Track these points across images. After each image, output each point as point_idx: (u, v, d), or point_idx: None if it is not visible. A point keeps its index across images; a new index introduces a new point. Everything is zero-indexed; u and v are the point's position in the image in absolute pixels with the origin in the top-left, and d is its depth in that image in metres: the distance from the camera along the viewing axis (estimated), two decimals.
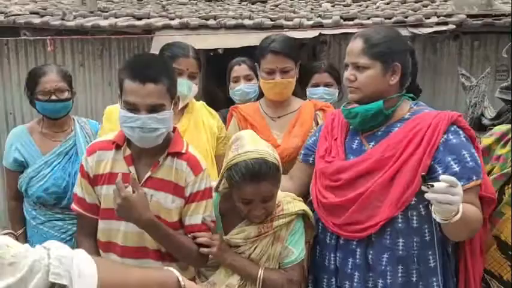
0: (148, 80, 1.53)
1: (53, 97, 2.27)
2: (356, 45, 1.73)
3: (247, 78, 2.94)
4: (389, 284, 1.70)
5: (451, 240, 1.72)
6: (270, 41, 2.29)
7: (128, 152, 1.66)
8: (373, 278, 1.73)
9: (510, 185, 1.78)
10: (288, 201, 1.76)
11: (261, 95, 2.82)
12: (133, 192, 1.55)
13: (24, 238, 2.28)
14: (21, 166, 2.28)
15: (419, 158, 1.64)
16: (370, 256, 1.72)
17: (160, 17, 5.08)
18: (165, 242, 1.63)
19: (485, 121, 3.82)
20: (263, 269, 1.70)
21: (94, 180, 1.69)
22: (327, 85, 2.78)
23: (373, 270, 1.73)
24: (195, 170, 1.65)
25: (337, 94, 2.82)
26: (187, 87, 2.19)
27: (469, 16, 4.45)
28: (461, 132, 1.69)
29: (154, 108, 1.55)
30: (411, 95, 1.82)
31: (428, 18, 4.53)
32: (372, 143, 1.76)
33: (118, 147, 1.67)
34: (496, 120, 3.41)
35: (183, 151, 1.66)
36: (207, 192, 1.68)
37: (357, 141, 1.81)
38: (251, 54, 3.08)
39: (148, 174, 1.63)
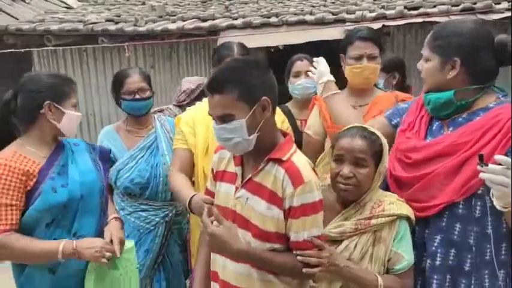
0: (215, 91, 1.54)
1: (137, 96, 2.51)
2: (428, 36, 1.80)
3: (308, 74, 3.02)
4: (437, 265, 1.70)
5: None
6: (357, 30, 2.43)
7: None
8: (425, 258, 1.74)
9: None
10: (391, 202, 1.70)
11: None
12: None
13: None
14: (111, 161, 2.48)
15: (493, 147, 1.60)
16: (426, 235, 1.74)
17: (224, 17, 5.27)
18: (264, 264, 1.59)
19: None
20: (380, 277, 1.63)
21: (215, 176, 1.76)
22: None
23: (425, 251, 1.74)
24: (295, 181, 1.53)
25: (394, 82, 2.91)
26: None
27: None
28: None
29: (223, 118, 1.54)
30: (501, 87, 1.80)
31: (499, 3, 4.32)
32: (451, 129, 1.76)
33: None
34: None
35: (284, 158, 1.57)
36: (310, 207, 1.55)
37: (438, 124, 1.82)
38: (309, 51, 3.17)
39: (249, 176, 1.61)
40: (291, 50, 3.44)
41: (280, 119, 2.46)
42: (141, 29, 5.08)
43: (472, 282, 1.66)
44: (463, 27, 1.76)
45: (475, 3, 4.39)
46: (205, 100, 2.48)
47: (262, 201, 1.57)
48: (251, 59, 1.82)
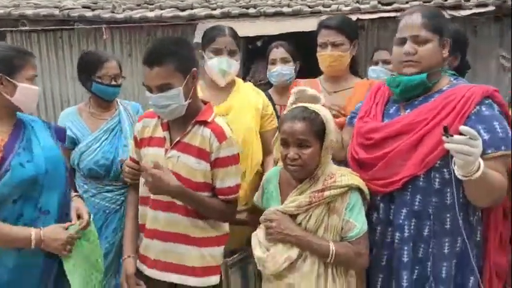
0: (154, 64, 1.75)
1: (113, 82, 2.54)
2: (415, 19, 1.81)
3: (284, 61, 3.10)
4: (405, 237, 1.79)
5: (476, 209, 1.78)
6: (325, 19, 2.53)
7: (165, 120, 1.90)
8: (391, 231, 1.83)
9: None
10: (343, 174, 1.80)
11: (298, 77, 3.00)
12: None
13: None
14: (73, 143, 2.51)
15: (449, 123, 1.69)
16: (391, 211, 1.83)
17: (202, 7, 5.30)
18: (196, 205, 1.84)
19: None
20: (332, 243, 1.73)
21: (140, 143, 1.96)
22: (385, 62, 3.01)
23: (392, 225, 1.83)
24: (220, 137, 1.83)
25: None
26: (226, 63, 2.38)
27: None
28: (495, 106, 1.74)
29: (161, 88, 1.76)
30: (452, 71, 1.92)
31: (468, 0, 4.51)
32: (408, 110, 1.86)
33: (159, 116, 1.92)
34: None
35: (209, 120, 1.85)
36: (233, 158, 1.87)
37: (394, 107, 1.92)
38: (290, 43, 3.26)
39: (178, 138, 1.86)
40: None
41: (265, 103, 2.54)
42: (118, 16, 5.06)
43: (431, 247, 1.76)
44: (439, 10, 1.90)
45: (445, 0, 4.57)
46: None
47: (191, 157, 1.84)
48: (180, 37, 2.08)
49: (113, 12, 5.13)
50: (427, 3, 4.56)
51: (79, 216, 1.94)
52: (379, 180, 1.83)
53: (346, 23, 2.52)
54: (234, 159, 1.88)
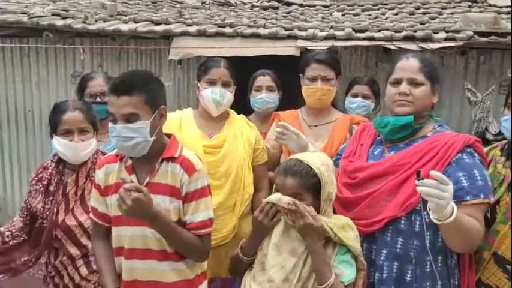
0: (123, 93, 1.69)
1: (98, 99, 2.48)
2: (412, 63, 1.93)
3: (270, 89, 3.14)
4: (384, 278, 1.85)
5: (453, 253, 1.85)
6: (315, 52, 2.65)
7: (129, 162, 1.83)
8: (373, 272, 1.88)
9: (500, 205, 1.94)
10: (338, 226, 1.75)
11: (282, 107, 3.04)
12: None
13: None
14: None
15: (430, 168, 1.76)
16: (373, 252, 1.89)
17: (177, 22, 5.25)
18: (171, 235, 1.77)
19: (489, 136, 4.02)
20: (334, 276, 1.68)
21: (104, 191, 1.88)
22: (365, 97, 3.00)
23: (373, 265, 1.88)
24: (189, 171, 1.79)
25: (372, 107, 3.05)
26: (220, 94, 2.43)
27: (476, 33, 4.62)
28: (476, 155, 1.83)
29: (128, 118, 1.70)
30: (438, 118, 2.02)
31: (437, 33, 4.70)
32: (392, 152, 1.94)
33: (121, 159, 1.86)
34: (499, 135, 3.60)
35: (176, 155, 1.81)
36: (203, 191, 1.82)
37: (379, 149, 2.00)
38: (260, 64, 3.29)
39: (147, 180, 1.79)
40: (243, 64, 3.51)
41: (258, 137, 2.57)
42: (91, 27, 4.93)
43: None
44: (432, 59, 2.01)
45: (415, 31, 4.74)
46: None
47: (165, 197, 1.78)
48: (150, 71, 2.07)
49: (85, 22, 4.99)
50: (399, 34, 4.71)
51: None
52: (361, 220, 1.87)
53: (335, 59, 2.63)
54: (204, 191, 1.83)
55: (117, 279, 1.87)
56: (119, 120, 1.71)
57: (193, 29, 4.94)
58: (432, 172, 1.60)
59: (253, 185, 2.48)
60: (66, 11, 5.43)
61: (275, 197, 1.71)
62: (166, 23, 5.19)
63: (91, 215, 1.96)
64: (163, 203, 1.78)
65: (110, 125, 1.73)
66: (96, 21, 5.10)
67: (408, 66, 1.92)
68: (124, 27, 4.95)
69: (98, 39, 5.18)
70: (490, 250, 1.94)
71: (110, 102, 1.73)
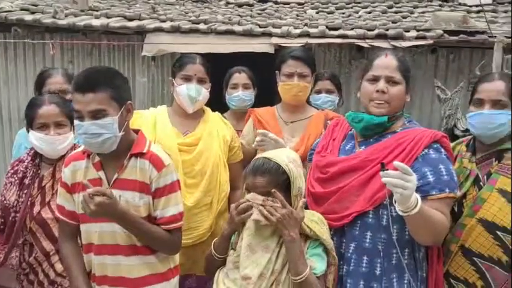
0: (88, 90, 1.67)
1: None
2: (391, 61, 1.93)
3: (245, 87, 3.13)
4: (351, 270, 1.88)
5: (420, 246, 1.88)
6: (291, 49, 2.66)
7: (97, 158, 1.82)
8: (342, 265, 1.91)
9: (467, 199, 2.01)
10: (315, 222, 1.79)
11: (256, 104, 3.04)
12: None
13: None
14: None
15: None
16: (343, 245, 1.92)
17: (151, 18, 5.19)
18: (140, 231, 1.78)
19: (457, 132, 4.13)
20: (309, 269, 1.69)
21: (72, 189, 1.86)
22: (328, 91, 3.03)
23: (342, 259, 1.91)
24: (157, 166, 1.79)
25: (337, 101, 3.07)
26: (195, 91, 2.41)
27: (446, 31, 4.73)
28: (442, 150, 1.87)
29: (95, 115, 1.68)
30: (409, 114, 2.05)
31: (408, 31, 4.78)
32: (363, 147, 1.97)
33: (89, 156, 1.83)
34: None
35: (144, 151, 1.80)
36: (172, 186, 1.82)
37: (351, 144, 2.02)
38: (234, 61, 3.28)
39: (115, 176, 1.79)
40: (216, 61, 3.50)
41: (234, 135, 2.58)
42: (61, 22, 4.82)
43: (382, 285, 1.84)
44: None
45: (387, 30, 4.81)
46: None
47: (135, 193, 1.78)
48: (112, 67, 2.05)
49: (55, 17, 4.88)
50: (371, 32, 4.78)
51: None
52: (331, 214, 1.90)
53: (311, 56, 2.66)
54: (174, 186, 1.84)
55: (88, 282, 1.86)
56: (85, 117, 1.69)
57: (167, 25, 4.90)
58: (395, 162, 1.64)
59: (229, 183, 2.48)
60: (36, 5, 5.30)
61: (251, 195, 1.73)
62: (140, 19, 5.13)
63: (58, 213, 1.93)
64: (132, 199, 1.78)
65: (76, 122, 1.72)
66: (66, 16, 5.00)
67: (386, 64, 1.93)
68: (96, 23, 4.87)
69: (69, 35, 5.09)
70: (458, 243, 1.99)
71: (75, 99, 1.70)
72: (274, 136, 2.26)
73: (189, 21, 5.09)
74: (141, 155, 1.80)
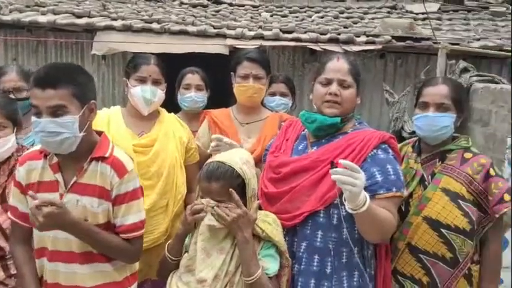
0: (48, 86, 1.57)
1: (11, 96, 2.31)
2: (343, 65, 1.96)
3: (198, 88, 3.10)
4: (302, 269, 1.90)
5: (369, 244, 1.93)
6: (247, 51, 2.65)
7: (55, 160, 1.71)
8: (293, 264, 1.92)
9: (413, 198, 2.09)
10: (268, 223, 1.80)
11: (209, 106, 3.02)
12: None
13: None
14: None
15: None
16: (295, 245, 1.93)
17: (101, 16, 5.05)
18: (95, 241, 1.69)
19: (404, 134, 4.28)
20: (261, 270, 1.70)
21: (26, 189, 1.72)
22: (282, 94, 3.05)
23: (294, 258, 1.93)
24: (119, 172, 1.70)
25: (290, 104, 3.10)
26: (150, 92, 2.36)
27: (394, 37, 4.91)
28: (390, 151, 1.93)
29: (55, 111, 1.58)
30: (359, 116, 2.11)
31: (358, 36, 4.93)
32: (315, 148, 2.00)
33: (46, 156, 1.73)
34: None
35: (107, 155, 1.71)
36: (134, 193, 1.74)
37: (303, 144, 2.05)
38: (186, 62, 3.25)
39: (74, 179, 1.69)
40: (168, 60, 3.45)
41: (190, 137, 2.53)
42: (5, 17, 4.60)
43: (333, 283, 1.87)
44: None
45: (339, 34, 4.93)
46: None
47: (93, 198, 1.68)
48: (79, 65, 1.95)
49: None
50: (323, 36, 4.89)
51: None
52: (284, 214, 1.91)
53: (266, 58, 2.67)
54: (136, 193, 1.76)
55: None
56: (44, 113, 1.57)
57: (118, 23, 4.78)
58: (341, 160, 1.68)
59: (186, 185, 2.44)
60: None
61: (205, 201, 1.71)
62: (89, 16, 4.97)
63: (10, 215, 1.81)
64: (90, 205, 1.69)
65: (34, 118, 1.59)
66: (10, 11, 4.77)
67: (338, 67, 1.97)
68: (42, 19, 4.69)
69: (13, 31, 4.86)
70: (405, 240, 2.07)
71: (34, 95, 1.58)
72: (229, 140, 2.25)
73: (142, 20, 5.00)
74: (102, 159, 1.70)
